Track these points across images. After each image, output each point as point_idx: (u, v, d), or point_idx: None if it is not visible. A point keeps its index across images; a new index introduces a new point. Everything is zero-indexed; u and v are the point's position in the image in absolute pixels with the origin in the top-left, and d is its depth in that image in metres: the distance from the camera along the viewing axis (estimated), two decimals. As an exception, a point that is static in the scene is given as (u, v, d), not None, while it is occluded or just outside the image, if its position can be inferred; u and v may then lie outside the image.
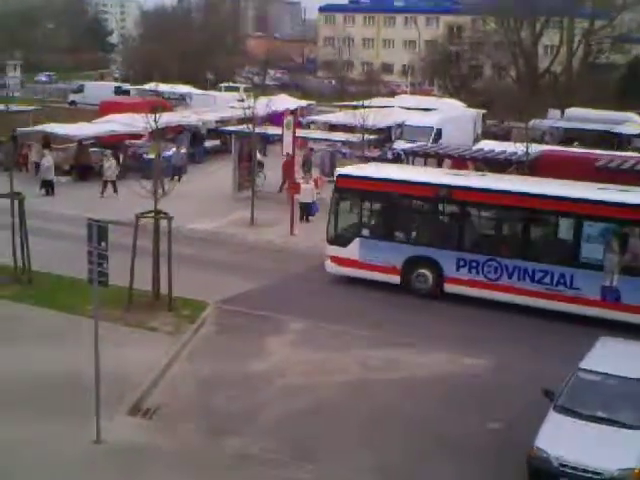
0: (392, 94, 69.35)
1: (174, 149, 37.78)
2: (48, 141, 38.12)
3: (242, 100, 44.31)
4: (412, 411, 15.68)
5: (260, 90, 53.83)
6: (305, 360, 17.95)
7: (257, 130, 34.46)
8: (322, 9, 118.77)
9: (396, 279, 22.06)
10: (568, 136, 47.78)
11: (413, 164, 32.75)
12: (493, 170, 29.00)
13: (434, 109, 49.55)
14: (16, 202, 21.59)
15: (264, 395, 16.15)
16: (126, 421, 14.76)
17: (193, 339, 18.88)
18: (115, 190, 33.49)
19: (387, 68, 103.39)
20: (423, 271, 21.94)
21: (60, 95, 76.22)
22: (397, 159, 37.49)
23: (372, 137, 38.45)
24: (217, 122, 46.39)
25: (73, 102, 69.82)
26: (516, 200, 21.30)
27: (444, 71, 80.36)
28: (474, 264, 21.49)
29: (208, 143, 44.60)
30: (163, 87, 45.45)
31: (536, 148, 31.90)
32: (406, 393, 16.47)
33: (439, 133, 41.78)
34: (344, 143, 38.45)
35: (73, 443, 13.77)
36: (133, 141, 38.74)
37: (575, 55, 70.27)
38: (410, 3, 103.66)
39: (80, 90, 72.04)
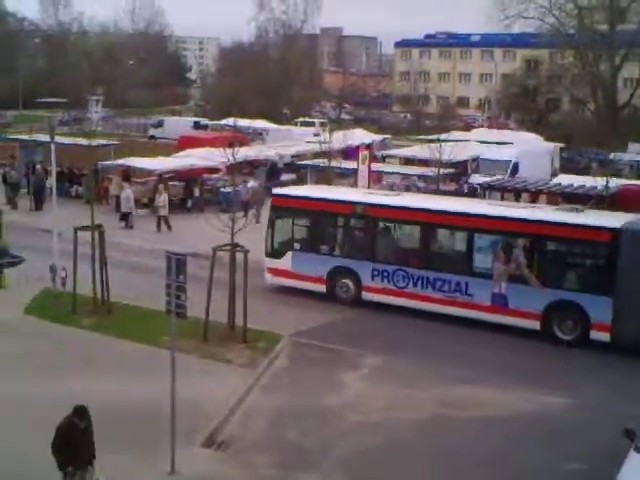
0: (468, 128, 69.05)
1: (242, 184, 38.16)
2: (128, 175, 38.92)
3: (318, 134, 44.69)
4: (487, 450, 15.42)
5: (336, 125, 54.21)
6: (380, 395, 17.80)
7: (333, 164, 34.70)
8: (398, 44, 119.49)
9: (322, 288, 24.12)
10: (649, 170, 46.92)
11: (489, 198, 32.47)
12: (572, 204, 28.57)
13: (510, 143, 49.15)
14: (97, 234, 22.05)
15: (336, 429, 16.06)
16: (200, 453, 14.81)
17: (267, 372, 18.92)
18: (168, 226, 33.81)
19: (463, 102, 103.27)
20: (345, 281, 23.97)
21: (140, 130, 78.01)
22: (473, 193, 37.26)
23: (448, 171, 38.37)
24: (293, 156, 46.80)
25: (153, 137, 71.35)
26: (418, 215, 23.46)
27: (521, 105, 79.74)
28: (386, 274, 23.54)
29: (284, 177, 45.02)
30: (240, 122, 46.07)
31: (616, 182, 31.40)
32: (482, 430, 16.21)
33: (516, 167, 41.38)
34: (419, 177, 38.42)
35: (148, 474, 13.87)
36: (210, 175, 39.34)
37: (656, 88, 69.13)
38: (486, 37, 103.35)
39: (160, 125, 73.64)
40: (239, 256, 20.70)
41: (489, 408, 17.29)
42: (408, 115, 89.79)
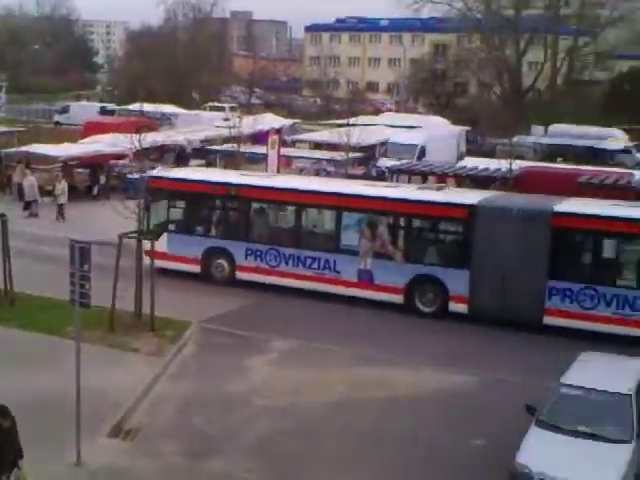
0: (377, 112, 69.59)
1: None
2: (29, 162, 38.00)
3: (227, 119, 44.40)
4: (397, 429, 15.65)
5: (246, 109, 53.97)
6: (288, 379, 17.89)
7: (242, 149, 34.55)
8: (308, 28, 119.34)
9: (197, 269, 24.20)
10: (552, 152, 48.10)
11: (397, 181, 32.83)
12: (477, 187, 29.19)
13: (418, 127, 49.76)
14: (-1, 223, 21.53)
15: (245, 415, 16.08)
16: (107, 443, 14.64)
17: (175, 359, 18.80)
18: (62, 215, 33.24)
19: (372, 86, 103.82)
20: (220, 261, 24.29)
21: (45, 116, 76.20)
22: (381, 177, 37.62)
23: (356, 155, 38.64)
24: (202, 141, 46.40)
25: (58, 123, 69.80)
26: (288, 196, 24.08)
27: (429, 89, 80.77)
28: (259, 253, 24.06)
29: (193, 162, 44.60)
30: (148, 107, 45.40)
31: (519, 164, 32.10)
32: (390, 410, 16.44)
33: (423, 151, 41.94)
34: (328, 161, 38.58)
35: (53, 466, 13.63)
36: (117, 161, 38.71)
37: (559, 72, 70.81)
38: (395, 22, 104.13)
39: (65, 111, 72.06)
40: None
41: (397, 388, 17.55)
42: (318, 100, 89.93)
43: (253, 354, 19.19)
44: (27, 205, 33.93)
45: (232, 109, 64.46)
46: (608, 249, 21.44)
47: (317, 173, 37.39)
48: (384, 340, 20.29)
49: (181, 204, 25.50)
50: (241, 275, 24.37)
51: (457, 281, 21.72)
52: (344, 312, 22.47)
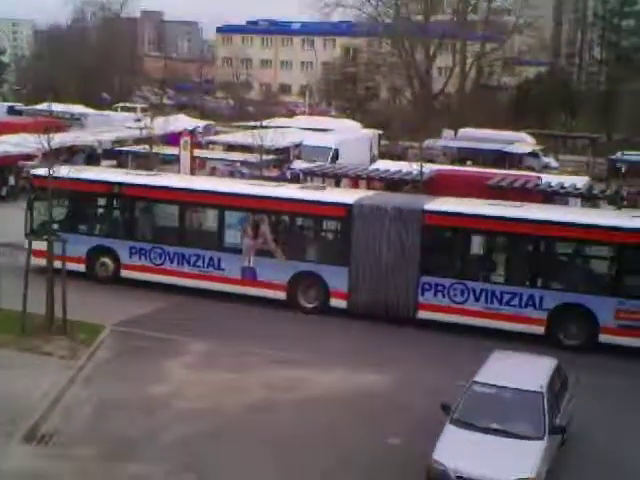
0: (291, 115, 69.73)
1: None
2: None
3: (139, 120, 43.92)
4: (314, 431, 15.75)
5: (157, 110, 53.36)
6: (205, 382, 17.82)
7: (154, 150, 34.21)
8: (220, 30, 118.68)
9: (82, 267, 23.77)
10: (462, 156, 48.99)
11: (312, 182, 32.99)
12: (389, 189, 29.59)
13: (331, 129, 50.07)
14: None
15: (163, 418, 15.96)
16: (21, 449, 14.34)
17: (89, 363, 18.51)
18: None
19: (285, 89, 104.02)
20: (104, 259, 24.23)
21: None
22: (296, 179, 37.73)
23: (271, 157, 38.67)
24: (113, 142, 45.73)
25: (-37, 122, 67.76)
26: (172, 194, 24.17)
27: (341, 92, 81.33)
28: (143, 251, 24.16)
29: (104, 163, 43.90)
30: (57, 107, 44.57)
31: (430, 167, 32.64)
32: (307, 412, 16.53)
33: (337, 153, 42.21)
34: (243, 163, 38.52)
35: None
36: (26, 162, 37.81)
37: (468, 77, 72.17)
38: (307, 25, 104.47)
39: (-30, 110, 70.00)
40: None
41: (312, 389, 17.66)
42: (231, 101, 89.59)
43: (169, 357, 19.04)
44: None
45: (144, 110, 63.78)
46: (477, 246, 22.50)
47: (231, 175, 37.26)
48: (297, 341, 20.42)
49: (66, 202, 24.93)
50: (126, 273, 24.40)
51: (337, 277, 22.27)
52: (257, 314, 22.56)
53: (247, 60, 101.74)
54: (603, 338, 20.41)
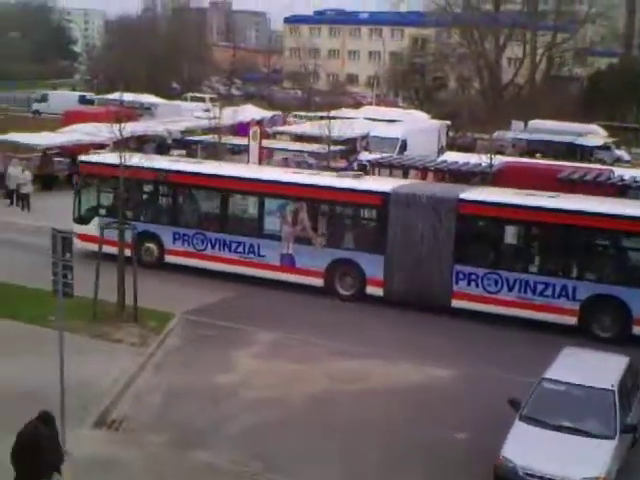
0: (357, 105, 69.59)
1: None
2: (15, 150, 37.67)
3: (208, 110, 44.26)
4: (379, 422, 15.72)
5: (226, 100, 53.81)
6: (272, 371, 17.91)
7: (223, 140, 34.45)
8: (287, 20, 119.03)
9: (128, 252, 22.93)
10: (531, 148, 48.31)
11: (379, 175, 32.89)
12: (458, 181, 29.31)
13: (399, 121, 49.80)
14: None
15: (230, 407, 16.08)
16: (92, 434, 14.61)
17: (159, 351, 18.77)
18: (27, 205, 33.15)
19: (352, 79, 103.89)
20: (149, 245, 24.44)
21: (24, 104, 75.56)
22: (363, 170, 37.65)
23: (338, 148, 38.65)
24: (182, 132, 46.23)
25: (37, 111, 69.21)
26: (215, 182, 24.56)
27: (408, 83, 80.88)
28: (186, 237, 24.62)
29: (174, 153, 44.41)
30: (128, 97, 45.19)
31: (499, 159, 32.23)
32: (372, 404, 16.51)
33: (404, 144, 41.98)
34: (310, 154, 38.57)
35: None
36: (98, 151, 38.44)
37: (538, 68, 71.11)
38: (375, 15, 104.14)
39: (44, 99, 71.42)
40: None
41: (378, 381, 17.62)
42: (298, 91, 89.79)
43: (237, 346, 19.19)
44: (10, 194, 33.64)
45: (212, 100, 64.24)
46: (511, 236, 22.33)
47: (299, 165, 37.32)
48: (363, 333, 20.39)
49: (111, 189, 25.30)
50: (170, 258, 24.84)
51: (373, 265, 22.44)
52: (325, 304, 22.57)
53: (314, 50, 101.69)
54: (637, 330, 20.13)
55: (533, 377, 14.75)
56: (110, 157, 25.82)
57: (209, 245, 24.36)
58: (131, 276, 20.05)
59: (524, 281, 21.09)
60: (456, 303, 21.75)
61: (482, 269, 21.49)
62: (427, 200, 21.94)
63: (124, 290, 20.35)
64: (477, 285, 21.49)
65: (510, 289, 21.19)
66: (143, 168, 23.53)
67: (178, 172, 24.90)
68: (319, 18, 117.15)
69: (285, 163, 38.34)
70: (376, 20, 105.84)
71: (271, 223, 23.90)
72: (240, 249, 23.99)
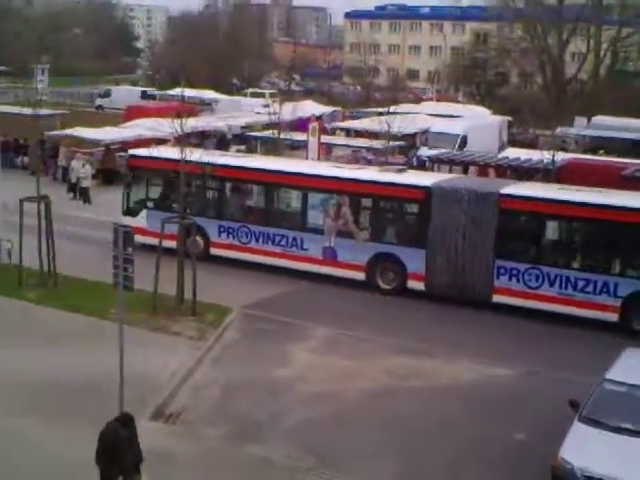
0: (418, 101, 69.19)
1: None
2: (79, 145, 38.29)
3: (267, 106, 44.42)
4: (436, 420, 15.62)
5: (285, 96, 53.89)
6: (328, 366, 17.92)
7: (282, 135, 34.53)
8: (348, 15, 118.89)
9: (173, 244, 22.70)
10: (594, 144, 47.45)
11: (438, 171, 32.65)
12: (520, 178, 28.94)
13: (459, 116, 49.34)
14: (42, 205, 21.70)
15: (287, 401, 16.13)
16: (149, 426, 14.72)
17: (216, 344, 18.91)
18: (85, 199, 33.77)
19: (413, 74, 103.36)
20: (196, 238, 23.66)
21: (87, 99, 76.77)
22: (422, 166, 37.41)
23: (397, 144, 38.44)
24: (243, 127, 46.48)
25: (100, 106, 70.27)
26: (258, 175, 24.91)
27: (470, 78, 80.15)
28: (231, 230, 24.94)
29: (234, 148, 44.70)
30: (189, 92, 45.65)
31: (562, 156, 31.74)
32: (429, 401, 16.41)
33: (464, 140, 41.52)
34: (369, 149, 38.44)
35: (95, 447, 13.77)
36: (159, 146, 38.84)
37: (602, 63, 69.86)
38: (436, 10, 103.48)
39: (107, 95, 72.49)
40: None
41: (435, 379, 17.54)
42: (358, 87, 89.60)
43: (294, 341, 19.25)
44: (72, 187, 34.20)
45: (272, 95, 64.48)
46: (552, 231, 22.25)
47: (357, 161, 37.24)
48: (419, 329, 20.33)
49: (159, 182, 26.28)
50: (215, 251, 25.10)
51: (414, 259, 22.50)
52: (378, 300, 22.57)
53: (375, 45, 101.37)
54: None
55: (584, 375, 14.52)
56: (159, 151, 26.37)
57: (253, 238, 24.66)
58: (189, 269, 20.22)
59: (565, 277, 20.95)
60: (497, 298, 21.69)
61: (523, 264, 21.37)
62: (468, 195, 21.90)
63: (183, 283, 20.53)
64: (518, 280, 21.40)
65: (551, 284, 21.05)
66: (188, 162, 24.04)
67: (223, 166, 25.01)
68: (380, 13, 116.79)
69: (350, 158, 38.21)
70: (437, 15, 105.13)
71: (314, 217, 24.14)
72: (283, 242, 24.22)
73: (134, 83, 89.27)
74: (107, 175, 37.36)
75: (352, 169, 26.14)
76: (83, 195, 33.91)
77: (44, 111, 33.34)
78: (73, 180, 34.31)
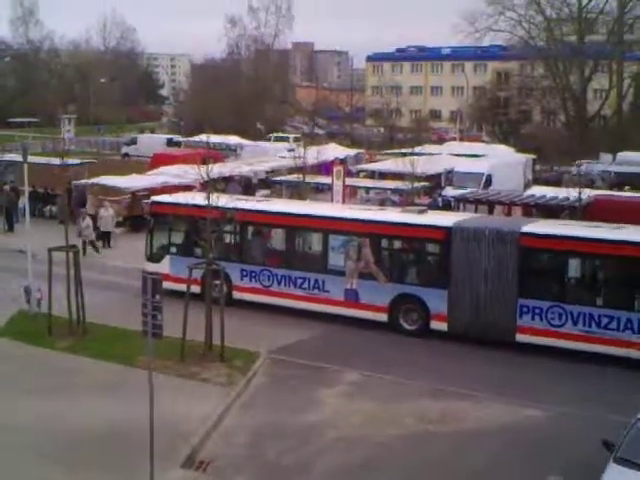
0: (441, 141, 69.41)
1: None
2: (107, 193, 38.66)
3: (292, 150, 44.72)
4: (469, 464, 15.44)
5: (309, 139, 54.27)
6: (358, 411, 17.79)
7: (307, 179, 34.70)
8: (369, 58, 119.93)
9: (197, 289, 22.84)
10: (620, 180, 47.24)
11: (464, 211, 32.62)
12: (546, 216, 28.85)
13: (483, 155, 49.40)
14: (71, 254, 21.89)
15: (317, 447, 16.02)
16: (180, 474, 14.69)
17: (246, 390, 18.86)
18: (108, 244, 34.27)
19: (435, 114, 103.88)
20: (218, 282, 23.22)
21: (113, 148, 77.70)
22: (447, 206, 37.39)
23: (421, 184, 38.51)
24: (267, 172, 46.77)
25: (126, 154, 71.08)
26: (280, 219, 25.15)
27: (492, 117, 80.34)
28: (253, 274, 24.99)
29: (259, 193, 44.97)
30: (214, 138, 46.01)
31: (588, 193, 31.64)
32: (464, 445, 16.24)
33: (489, 179, 41.57)
34: (394, 191, 38.52)
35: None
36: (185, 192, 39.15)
37: (625, 99, 69.83)
38: (457, 50, 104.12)
39: (133, 142, 73.36)
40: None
41: (466, 422, 17.33)
42: (381, 129, 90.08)
43: (322, 386, 19.13)
44: (102, 236, 34.50)
45: (296, 139, 64.92)
46: (574, 268, 22.05)
47: (382, 203, 37.30)
48: (445, 370, 20.17)
49: (181, 227, 26.43)
50: (238, 295, 25.12)
51: (437, 300, 22.45)
52: (402, 342, 22.44)
53: (397, 87, 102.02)
54: None
55: (620, 415, 14.31)
56: (181, 197, 26.52)
57: (275, 281, 24.71)
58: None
59: (588, 314, 20.77)
60: (520, 337, 21.52)
61: (546, 302, 21.24)
62: (489, 234, 21.88)
63: (211, 329, 20.54)
64: (541, 319, 21.24)
65: (575, 322, 20.89)
66: (211, 207, 24.16)
67: (244, 210, 24.90)
68: (401, 55, 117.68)
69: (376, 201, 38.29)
70: (458, 55, 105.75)
71: (335, 259, 24.17)
72: (305, 285, 24.25)
73: (152, 130, 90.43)
74: (134, 222, 37.63)
75: (373, 211, 26.24)
76: (104, 240, 34.32)
77: (72, 160, 33.90)
78: (102, 229, 34.60)
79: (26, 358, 20.50)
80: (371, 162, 53.68)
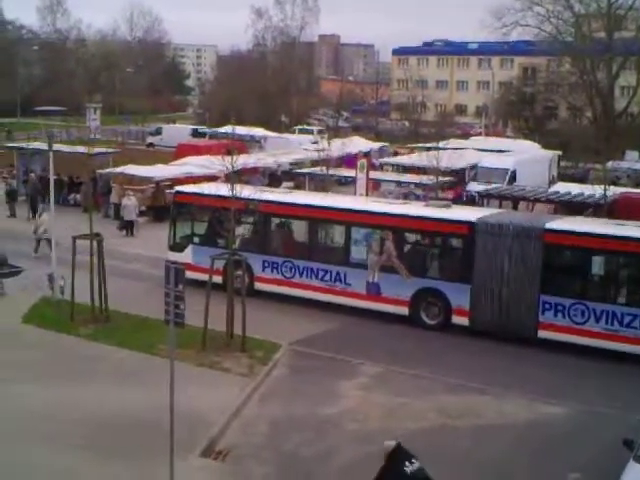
0: (466, 136, 69.08)
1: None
2: (130, 182, 38.89)
3: (316, 142, 44.68)
4: (490, 460, 15.40)
5: (333, 132, 54.23)
6: (378, 404, 17.79)
7: (330, 172, 34.66)
8: (395, 51, 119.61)
9: (219, 279, 22.66)
10: (646, 178, 46.96)
11: (487, 206, 32.48)
12: (570, 213, 28.68)
13: (508, 151, 49.14)
14: (95, 242, 22.01)
15: (336, 439, 16.03)
16: (199, 463, 14.76)
17: (266, 381, 18.90)
18: (131, 232, 34.58)
19: (461, 109, 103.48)
20: (239, 272, 23.00)
21: (138, 137, 78.01)
22: (471, 201, 37.27)
23: (446, 179, 38.37)
24: (291, 164, 46.78)
25: (151, 144, 71.35)
26: (302, 211, 25.01)
27: (518, 112, 79.89)
28: (275, 265, 25.01)
29: (283, 184, 44.96)
30: (238, 130, 46.03)
31: (614, 190, 31.41)
32: (483, 439, 16.19)
33: (514, 175, 41.37)
34: (417, 185, 38.41)
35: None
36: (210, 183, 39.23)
37: (653, 96, 69.17)
38: (484, 45, 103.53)
39: (158, 133, 73.66)
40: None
41: (488, 417, 17.30)
42: (406, 123, 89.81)
43: (342, 378, 19.15)
44: (125, 225, 34.70)
45: (320, 132, 64.91)
46: (597, 266, 21.95)
47: (406, 197, 37.19)
48: (466, 365, 20.13)
49: (204, 217, 26.58)
50: (259, 286, 25.16)
51: (459, 294, 22.42)
52: (423, 336, 22.44)
53: (422, 81, 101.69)
54: None
55: (637, 413, 14.26)
56: (204, 187, 26.59)
57: (297, 273, 24.73)
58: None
59: (611, 312, 20.68)
60: (542, 334, 21.49)
61: (569, 299, 21.18)
62: (513, 229, 21.85)
63: (233, 320, 20.60)
64: (564, 316, 21.20)
65: (597, 320, 20.80)
66: (235, 198, 24.17)
67: (267, 202, 24.87)
68: (427, 49, 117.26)
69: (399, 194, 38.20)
70: (485, 50, 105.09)
71: (357, 252, 24.17)
72: (327, 277, 24.28)
73: (173, 121, 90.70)
74: (157, 212, 37.76)
75: (396, 204, 26.19)
76: (127, 228, 34.55)
77: (97, 149, 34.08)
78: (126, 218, 34.80)
79: (49, 345, 20.64)
80: (397, 155, 53.56)
